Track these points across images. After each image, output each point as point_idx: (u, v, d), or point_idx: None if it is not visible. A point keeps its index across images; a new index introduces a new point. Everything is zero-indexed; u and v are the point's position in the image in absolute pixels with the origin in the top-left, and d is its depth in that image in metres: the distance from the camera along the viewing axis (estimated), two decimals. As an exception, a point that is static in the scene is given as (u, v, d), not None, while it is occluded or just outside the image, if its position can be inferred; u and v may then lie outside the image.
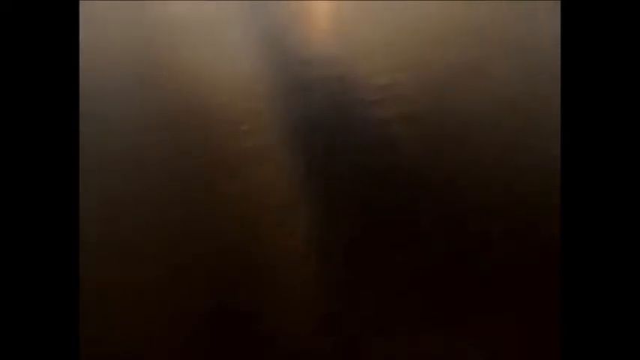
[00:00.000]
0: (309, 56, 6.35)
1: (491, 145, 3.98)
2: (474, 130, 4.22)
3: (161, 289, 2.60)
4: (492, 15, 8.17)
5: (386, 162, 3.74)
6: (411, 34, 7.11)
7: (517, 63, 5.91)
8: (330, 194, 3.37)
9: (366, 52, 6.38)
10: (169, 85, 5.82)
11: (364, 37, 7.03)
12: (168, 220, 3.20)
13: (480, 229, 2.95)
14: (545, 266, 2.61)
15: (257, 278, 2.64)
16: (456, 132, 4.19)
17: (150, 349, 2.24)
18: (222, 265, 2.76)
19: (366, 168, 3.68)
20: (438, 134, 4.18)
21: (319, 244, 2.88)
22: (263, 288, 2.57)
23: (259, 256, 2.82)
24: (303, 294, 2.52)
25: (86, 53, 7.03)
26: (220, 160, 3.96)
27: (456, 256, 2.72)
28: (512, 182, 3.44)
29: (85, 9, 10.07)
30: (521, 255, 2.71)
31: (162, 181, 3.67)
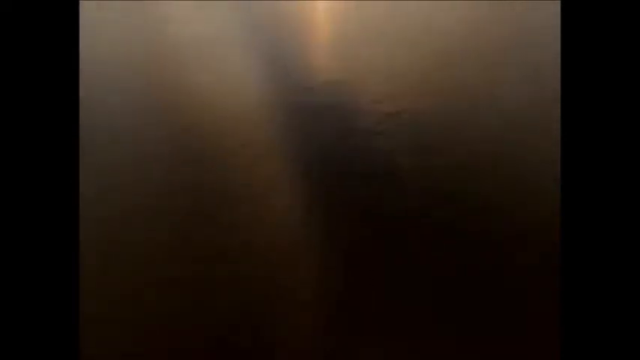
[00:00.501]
0: (312, 82, 6.37)
1: (493, 154, 4.04)
2: (476, 143, 4.29)
3: (161, 290, 2.61)
4: (495, 35, 8.34)
5: (387, 173, 3.79)
6: (415, 59, 7.22)
7: (519, 79, 6.03)
8: (330, 201, 3.40)
9: (370, 78, 6.43)
10: (170, 96, 5.89)
11: (368, 62, 7.09)
12: (168, 228, 3.21)
13: (481, 232, 2.97)
14: (546, 268, 2.63)
15: (258, 282, 2.65)
16: (459, 146, 4.25)
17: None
18: (224, 268, 2.76)
19: (367, 180, 3.72)
20: (440, 146, 4.24)
21: (320, 249, 2.90)
22: (265, 291, 2.58)
23: (261, 260, 2.83)
24: (304, 296, 2.52)
25: (88, 64, 7.12)
26: (222, 168, 3.99)
27: (456, 258, 2.74)
28: (514, 186, 3.49)
29: (87, 21, 10.22)
30: (522, 257, 2.73)
31: (162, 192, 3.70)
